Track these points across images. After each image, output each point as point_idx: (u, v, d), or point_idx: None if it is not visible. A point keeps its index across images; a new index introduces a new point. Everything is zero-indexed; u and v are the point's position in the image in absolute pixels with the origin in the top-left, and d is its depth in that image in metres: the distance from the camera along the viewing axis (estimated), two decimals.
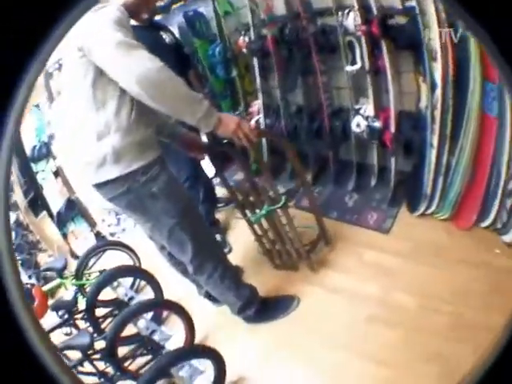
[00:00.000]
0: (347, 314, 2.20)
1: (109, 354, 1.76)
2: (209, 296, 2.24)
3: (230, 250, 2.70)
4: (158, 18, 2.88)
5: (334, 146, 2.85)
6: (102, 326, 2.06)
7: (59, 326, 2.03)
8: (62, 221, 2.98)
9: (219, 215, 2.97)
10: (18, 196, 3.03)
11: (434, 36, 2.15)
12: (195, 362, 1.78)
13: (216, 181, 3.06)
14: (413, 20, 2.24)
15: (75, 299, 2.14)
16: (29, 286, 2.37)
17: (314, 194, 2.56)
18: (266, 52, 2.77)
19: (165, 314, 2.17)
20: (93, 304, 2.03)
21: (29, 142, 2.93)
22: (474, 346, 1.72)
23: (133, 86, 1.33)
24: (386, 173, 2.78)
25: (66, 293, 2.34)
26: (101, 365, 1.86)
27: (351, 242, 2.59)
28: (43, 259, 2.78)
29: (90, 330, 1.97)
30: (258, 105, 2.99)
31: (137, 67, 1.31)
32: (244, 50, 2.86)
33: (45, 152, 2.93)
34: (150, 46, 2.06)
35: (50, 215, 2.97)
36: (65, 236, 3.00)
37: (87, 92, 1.43)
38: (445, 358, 1.82)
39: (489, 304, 1.95)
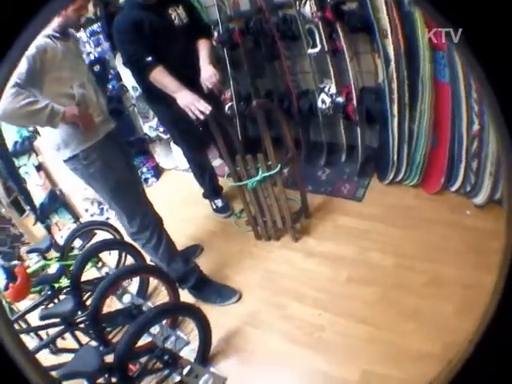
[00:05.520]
0: (326, 276, 2.27)
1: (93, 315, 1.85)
2: None
3: (230, 214, 2.92)
4: None
5: (303, 124, 3.02)
6: (87, 303, 2.02)
7: (42, 302, 2.03)
8: (45, 213, 3.03)
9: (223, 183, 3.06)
10: None
11: (384, 16, 2.30)
12: (181, 334, 1.86)
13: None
14: (362, 4, 2.38)
15: (59, 273, 2.16)
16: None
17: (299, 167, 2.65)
18: (235, 43, 2.94)
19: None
20: (78, 275, 2.04)
21: (10, 138, 2.95)
22: (453, 304, 1.88)
23: None
24: (354, 150, 2.91)
25: (50, 269, 2.38)
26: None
27: (327, 211, 2.70)
28: None
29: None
30: (230, 92, 3.17)
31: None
32: (214, 43, 3.00)
33: (27, 147, 2.98)
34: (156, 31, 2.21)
35: (33, 209, 2.99)
36: (48, 228, 3.03)
37: None
38: (422, 314, 1.89)
39: (465, 262, 2.02)
